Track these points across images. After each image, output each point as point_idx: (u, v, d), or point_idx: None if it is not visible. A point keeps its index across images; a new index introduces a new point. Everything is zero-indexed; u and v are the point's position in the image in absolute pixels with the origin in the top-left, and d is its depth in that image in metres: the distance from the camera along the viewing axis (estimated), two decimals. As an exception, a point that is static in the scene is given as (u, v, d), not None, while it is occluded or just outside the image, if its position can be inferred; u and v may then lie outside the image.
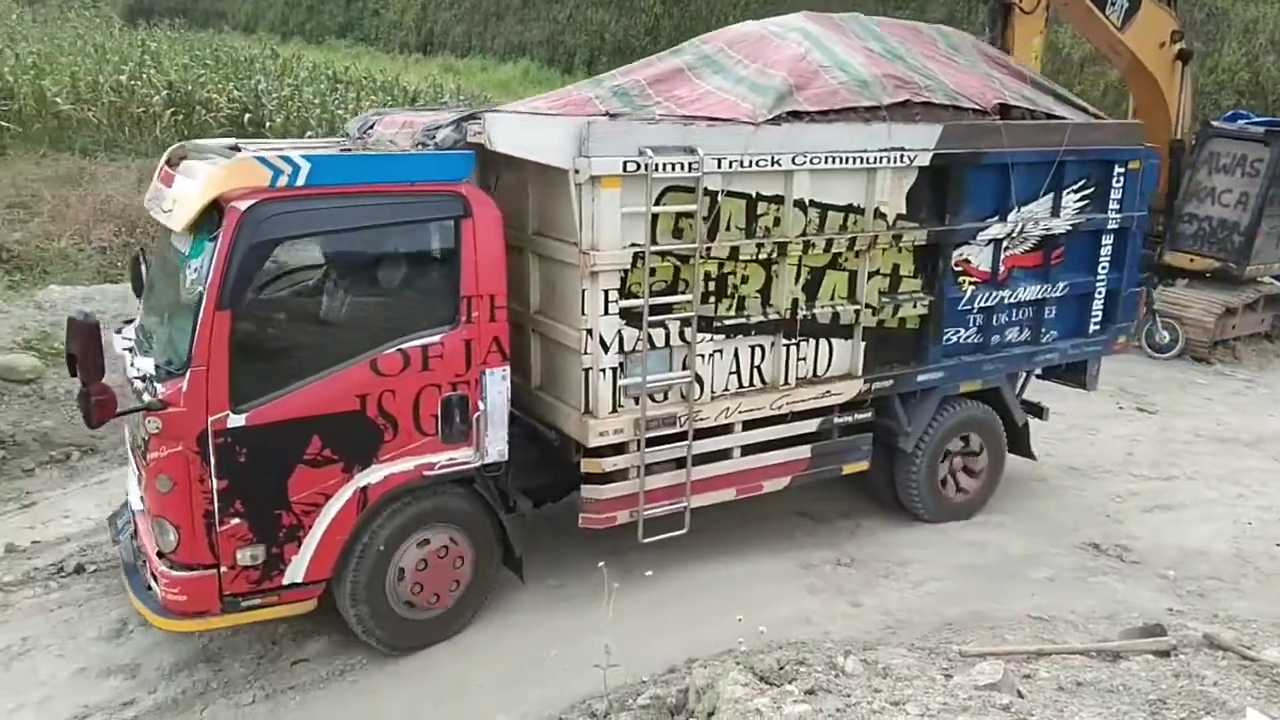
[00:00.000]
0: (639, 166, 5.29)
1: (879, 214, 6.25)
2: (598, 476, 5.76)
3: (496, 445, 5.38)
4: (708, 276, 5.77)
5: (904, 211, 6.40)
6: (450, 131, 5.14)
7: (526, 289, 5.91)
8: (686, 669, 5.13)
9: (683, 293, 5.70)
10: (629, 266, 5.44)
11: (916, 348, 6.81)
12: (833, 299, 6.33)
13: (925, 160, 6.30)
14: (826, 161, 5.93)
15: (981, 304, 6.94)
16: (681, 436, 5.87)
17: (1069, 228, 7.12)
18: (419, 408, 5.14)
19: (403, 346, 5.05)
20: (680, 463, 5.92)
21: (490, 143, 5.07)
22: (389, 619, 5.35)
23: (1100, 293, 7.45)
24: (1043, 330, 7.34)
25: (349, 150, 5.29)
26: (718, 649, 5.26)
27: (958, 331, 6.97)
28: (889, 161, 6.15)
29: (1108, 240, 7.31)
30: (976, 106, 6.63)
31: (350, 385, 4.95)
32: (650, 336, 5.64)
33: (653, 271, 5.58)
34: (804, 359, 6.32)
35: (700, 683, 4.58)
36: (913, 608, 6.12)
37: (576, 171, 5.19)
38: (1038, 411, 7.93)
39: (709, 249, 5.69)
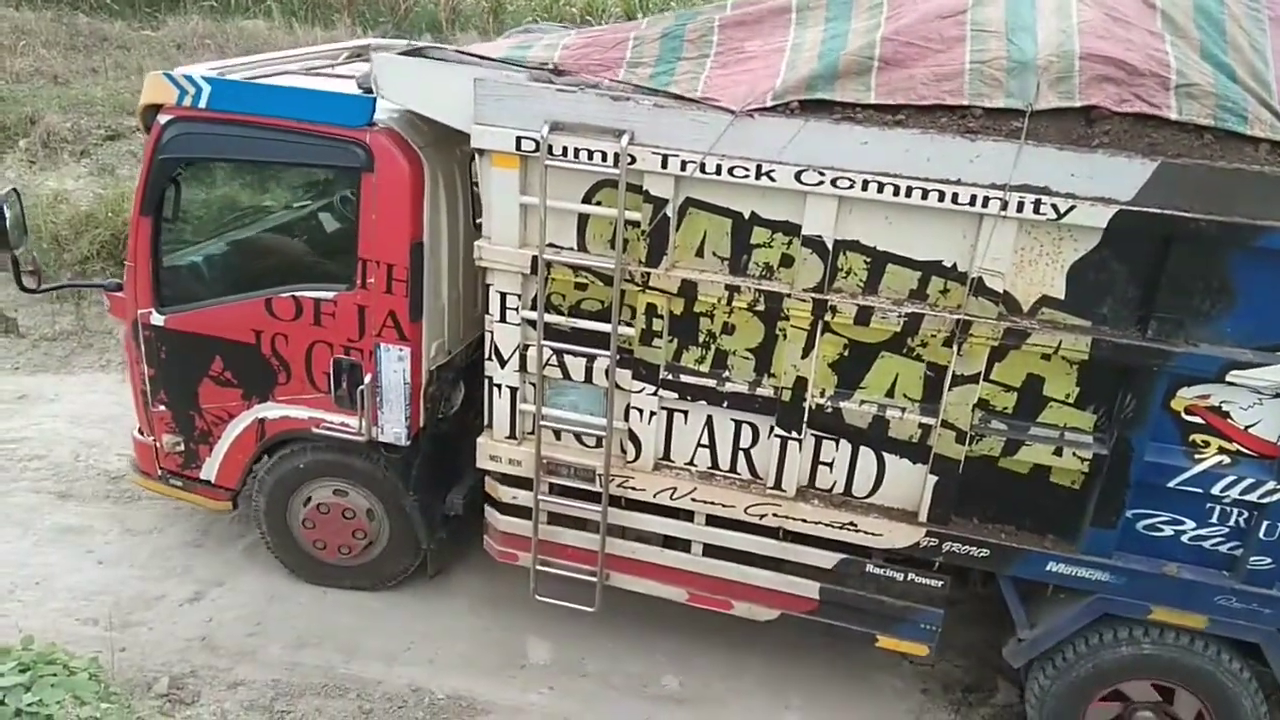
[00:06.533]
0: (536, 146, 3.96)
1: (984, 289, 3.74)
2: (496, 503, 4.82)
3: (393, 427, 4.81)
4: (652, 310, 4.17)
5: (1060, 296, 3.74)
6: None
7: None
8: None
9: (627, 322, 4.24)
10: (526, 272, 4.22)
11: (1063, 516, 4.10)
12: (890, 395, 4.09)
13: (1100, 219, 3.53)
14: (866, 188, 3.70)
15: (1241, 494, 3.83)
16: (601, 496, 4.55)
17: None
18: (311, 360, 4.81)
19: (296, 294, 4.71)
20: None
21: (379, 91, 4.25)
22: (293, 551, 5.34)
23: None
24: None
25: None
26: None
27: (1176, 522, 4.00)
28: (1012, 207, 3.59)
29: None
30: (1287, 136, 3.40)
31: (246, 318, 4.82)
32: (565, 366, 4.38)
33: (583, 286, 4.26)
34: (827, 464, 4.29)
35: None
36: None
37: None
38: None
39: (646, 274, 4.09)
